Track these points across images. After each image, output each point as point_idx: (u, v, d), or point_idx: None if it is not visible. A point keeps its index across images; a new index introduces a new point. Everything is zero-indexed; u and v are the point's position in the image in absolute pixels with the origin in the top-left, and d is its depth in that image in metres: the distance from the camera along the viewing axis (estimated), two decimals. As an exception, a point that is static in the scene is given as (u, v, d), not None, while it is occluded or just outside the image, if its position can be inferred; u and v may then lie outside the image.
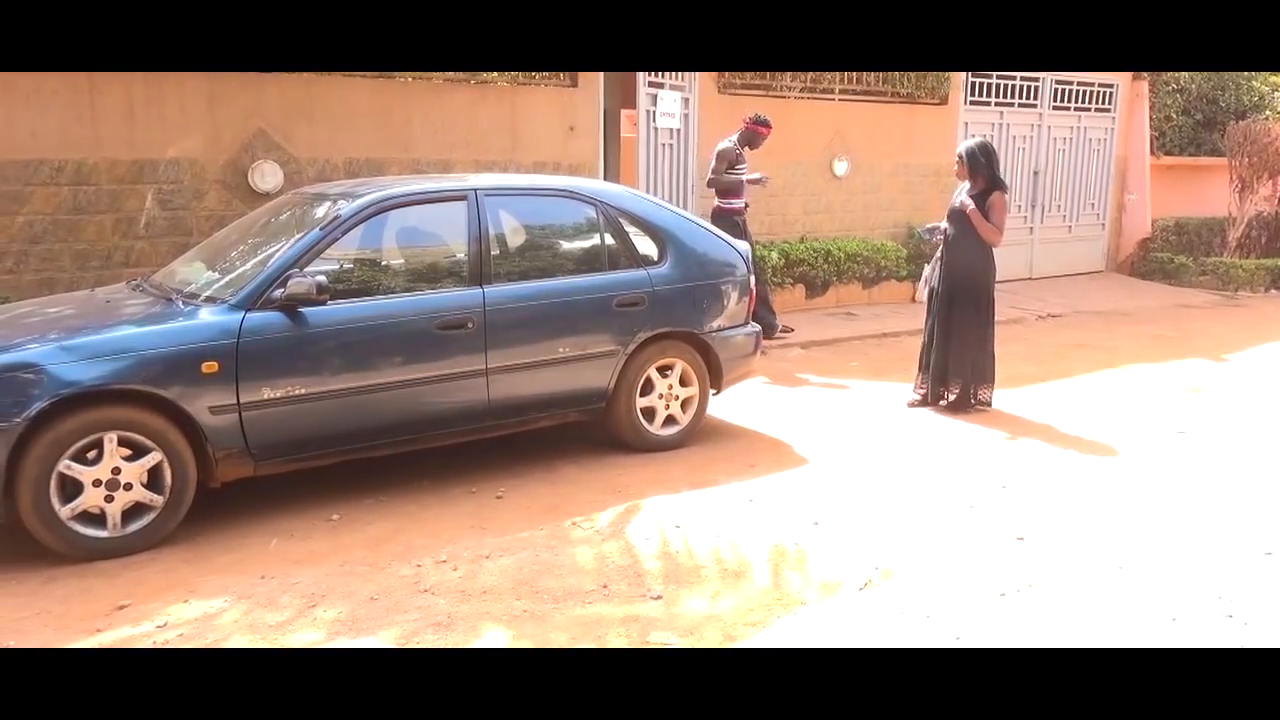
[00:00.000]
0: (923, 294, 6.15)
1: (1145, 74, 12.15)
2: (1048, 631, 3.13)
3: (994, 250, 5.85)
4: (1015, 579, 3.53)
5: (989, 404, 5.94)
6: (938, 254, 5.99)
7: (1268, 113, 12.25)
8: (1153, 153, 12.37)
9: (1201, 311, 10.25)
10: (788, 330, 8.02)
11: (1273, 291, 11.50)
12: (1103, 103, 12.09)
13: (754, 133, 7.69)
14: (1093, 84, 11.87)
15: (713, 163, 7.69)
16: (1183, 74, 12.44)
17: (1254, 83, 12.82)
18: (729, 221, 7.51)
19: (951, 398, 5.89)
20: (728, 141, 7.69)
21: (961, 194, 5.85)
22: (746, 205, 7.77)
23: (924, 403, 6.01)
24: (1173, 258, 12.04)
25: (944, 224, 5.94)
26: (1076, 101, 11.81)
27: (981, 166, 5.73)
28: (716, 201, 7.73)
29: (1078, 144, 11.93)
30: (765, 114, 7.80)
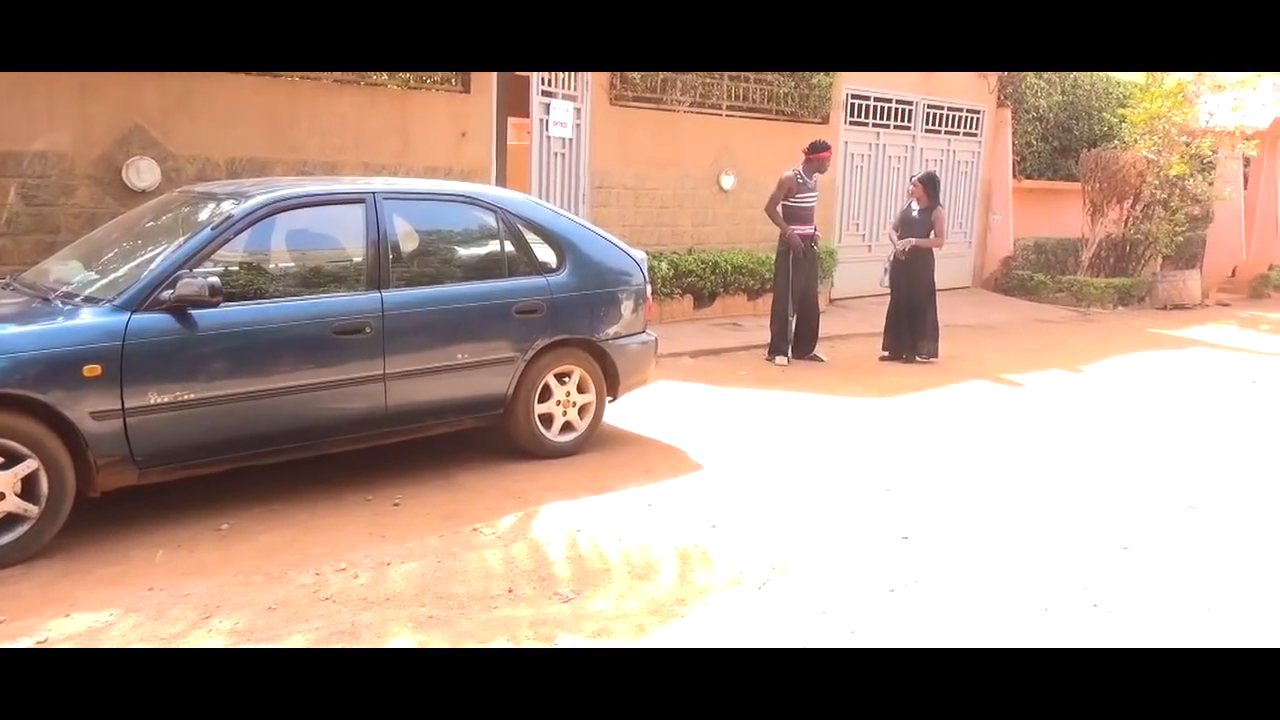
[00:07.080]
0: (885, 282, 8.44)
1: (1009, 101, 12.91)
2: (935, 624, 3.32)
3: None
4: (902, 576, 3.72)
5: (936, 355, 8.26)
6: (893, 254, 8.30)
7: (1117, 142, 13.18)
8: (1015, 176, 13.17)
9: (1059, 326, 10.95)
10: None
11: (1120, 308, 12.38)
12: (970, 127, 12.78)
13: (815, 161, 7.85)
14: (961, 109, 12.53)
15: (772, 190, 7.86)
16: (1042, 102, 13.29)
17: (1104, 114, 13.79)
18: (785, 246, 7.80)
19: (912, 355, 8.21)
20: (790, 171, 7.85)
21: (913, 209, 8.26)
22: (815, 231, 7.96)
23: (892, 358, 8.30)
24: (1032, 275, 12.83)
25: (896, 234, 8.31)
26: (946, 125, 12.44)
27: (932, 191, 8.18)
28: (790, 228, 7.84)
29: (947, 166, 12.55)
30: (821, 139, 8.09)
